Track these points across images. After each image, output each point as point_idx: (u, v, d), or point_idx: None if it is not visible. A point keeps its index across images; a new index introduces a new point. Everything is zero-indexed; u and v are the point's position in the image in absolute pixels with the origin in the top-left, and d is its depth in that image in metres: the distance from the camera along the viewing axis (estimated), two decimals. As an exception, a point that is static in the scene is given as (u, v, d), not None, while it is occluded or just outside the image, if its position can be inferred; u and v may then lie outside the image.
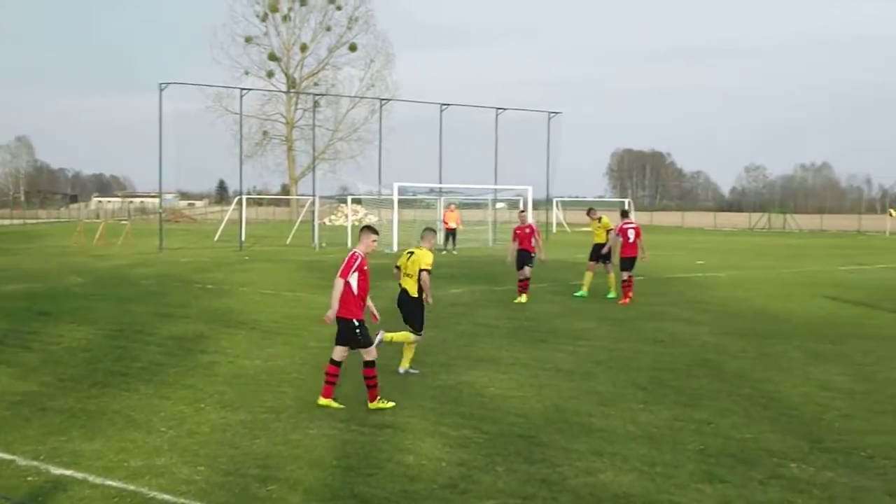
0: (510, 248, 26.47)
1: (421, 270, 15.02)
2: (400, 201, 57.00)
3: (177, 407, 12.59)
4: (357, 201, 71.90)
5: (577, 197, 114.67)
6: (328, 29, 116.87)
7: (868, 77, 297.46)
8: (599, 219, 28.07)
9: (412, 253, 15.29)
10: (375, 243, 13.12)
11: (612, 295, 26.72)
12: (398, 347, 15.42)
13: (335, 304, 12.58)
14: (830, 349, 17.78)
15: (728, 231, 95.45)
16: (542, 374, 15.12)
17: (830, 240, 75.35)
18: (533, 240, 25.98)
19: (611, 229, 27.47)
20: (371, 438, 11.06)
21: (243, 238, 55.37)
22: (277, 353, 16.82)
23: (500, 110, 66.60)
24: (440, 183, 62.58)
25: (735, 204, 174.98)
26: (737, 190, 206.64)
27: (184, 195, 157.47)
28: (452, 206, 54.51)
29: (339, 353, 12.91)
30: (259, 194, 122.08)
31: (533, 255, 25.95)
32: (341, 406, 12.59)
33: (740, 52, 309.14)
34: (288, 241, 59.08)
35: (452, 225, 51.79)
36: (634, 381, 14.59)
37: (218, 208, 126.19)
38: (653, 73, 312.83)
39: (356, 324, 12.67)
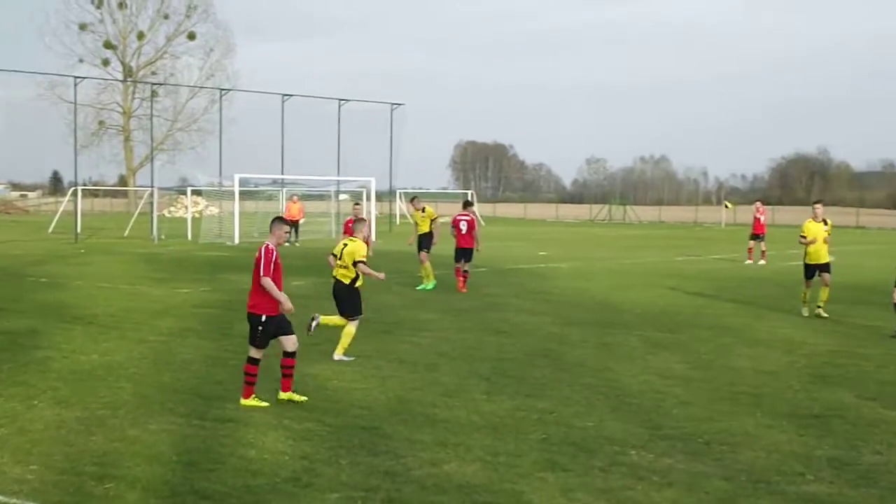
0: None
1: (356, 262, 15.28)
2: (241, 193, 56.28)
3: (8, 404, 12.08)
4: (197, 193, 70.59)
5: (420, 188, 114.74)
6: (166, 17, 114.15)
7: (702, 70, 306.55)
8: (423, 209, 28.16)
9: (346, 244, 15.50)
10: (288, 234, 12.91)
11: (426, 286, 26.56)
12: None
13: (281, 297, 12.23)
14: (669, 338, 18.16)
15: (570, 222, 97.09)
16: (385, 365, 15.04)
17: (669, 231, 77.37)
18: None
19: (435, 218, 27.60)
20: (212, 433, 10.80)
21: (79, 230, 53.87)
22: (114, 348, 16.33)
23: (342, 101, 66.35)
24: (283, 174, 62.00)
25: (577, 196, 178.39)
26: (578, 182, 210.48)
27: (15, 186, 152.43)
28: (294, 198, 54.05)
29: (289, 344, 12.58)
30: (95, 185, 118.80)
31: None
32: (265, 404, 12.21)
33: (579, 44, 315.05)
34: (125, 234, 57.76)
35: (295, 217, 51.39)
36: (477, 371, 14.63)
37: (52, 199, 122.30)
38: (495, 66, 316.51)
39: (263, 320, 12.32)
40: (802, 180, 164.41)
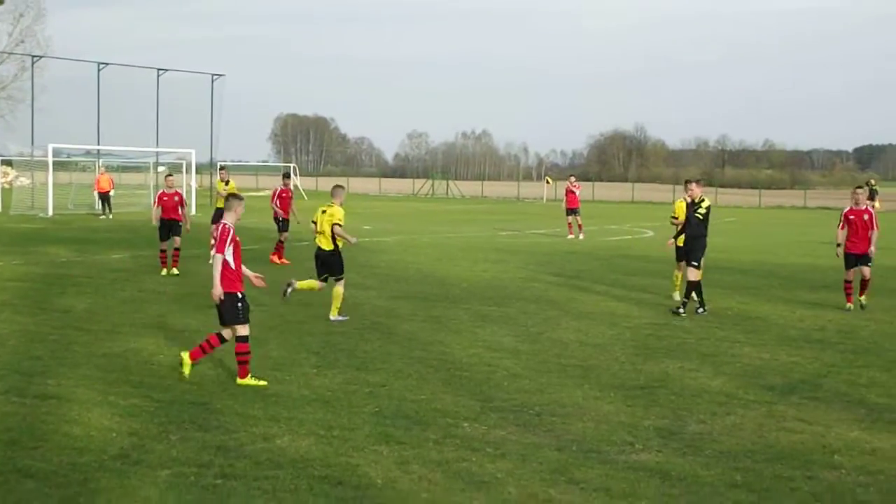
0: (153, 213, 24.84)
1: (333, 225, 16.76)
2: (55, 163, 54.41)
3: None
4: (7, 163, 67.92)
5: (241, 161, 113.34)
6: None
7: (520, 51, 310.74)
8: (227, 181, 27.95)
9: (325, 210, 16.99)
10: (242, 210, 12.62)
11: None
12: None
13: (217, 281, 11.98)
14: (496, 311, 18.34)
15: (393, 197, 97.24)
16: (213, 340, 14.74)
17: (491, 206, 78.29)
18: (180, 209, 24.44)
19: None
20: (33, 410, 10.40)
21: None
22: (-77, 323, 15.55)
23: (161, 71, 64.77)
24: (98, 145, 60.17)
25: (399, 170, 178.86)
26: (400, 156, 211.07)
27: None
28: (103, 170, 52.70)
29: (227, 332, 12.32)
30: None
31: (181, 223, 24.31)
32: (186, 374, 12.11)
33: (397, 20, 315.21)
34: (-68, 204, 55.15)
35: (105, 189, 50.08)
36: (307, 346, 14.49)
37: None
38: (316, 38, 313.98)
39: (239, 296, 12.16)
40: (620, 157, 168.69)
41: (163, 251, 23.89)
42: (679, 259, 20.08)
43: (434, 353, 14.17)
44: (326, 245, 17.01)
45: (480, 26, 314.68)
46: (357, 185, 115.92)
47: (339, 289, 16.95)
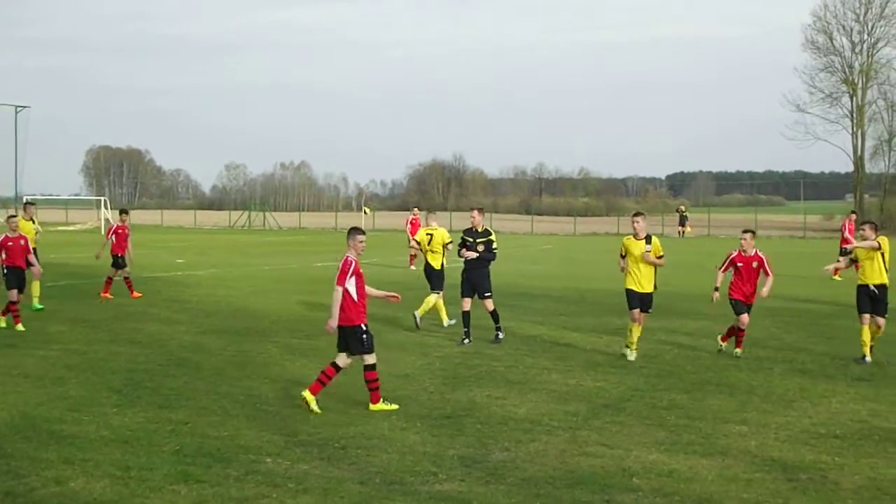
0: None
1: (445, 245, 21.32)
2: None
3: None
4: None
5: (50, 195, 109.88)
6: None
7: (332, 74, 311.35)
8: (32, 219, 27.14)
9: (431, 234, 21.28)
10: (363, 244, 13.16)
11: (39, 306, 23.10)
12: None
13: (335, 313, 12.41)
14: (306, 344, 18.17)
15: (209, 229, 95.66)
16: (7, 380, 14.19)
17: (309, 237, 77.80)
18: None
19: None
20: None
21: None
22: None
23: (-42, 104, 62.45)
24: None
25: (216, 202, 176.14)
26: (218, 188, 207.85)
27: None
28: None
29: (342, 359, 12.76)
30: None
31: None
32: (317, 411, 12.34)
33: (210, 50, 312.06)
34: None
35: None
36: (109, 384, 14.06)
37: None
38: (127, 70, 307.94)
39: (363, 328, 12.65)
40: (439, 186, 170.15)
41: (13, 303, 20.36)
42: (631, 306, 17.03)
43: (241, 388, 13.93)
44: (436, 263, 21.18)
45: (298, 55, 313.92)
46: (171, 217, 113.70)
47: (435, 298, 20.98)
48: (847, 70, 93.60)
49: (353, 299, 12.61)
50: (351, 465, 10.00)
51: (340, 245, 54.46)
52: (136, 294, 26.19)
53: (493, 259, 19.12)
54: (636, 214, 17.72)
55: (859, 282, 17.26)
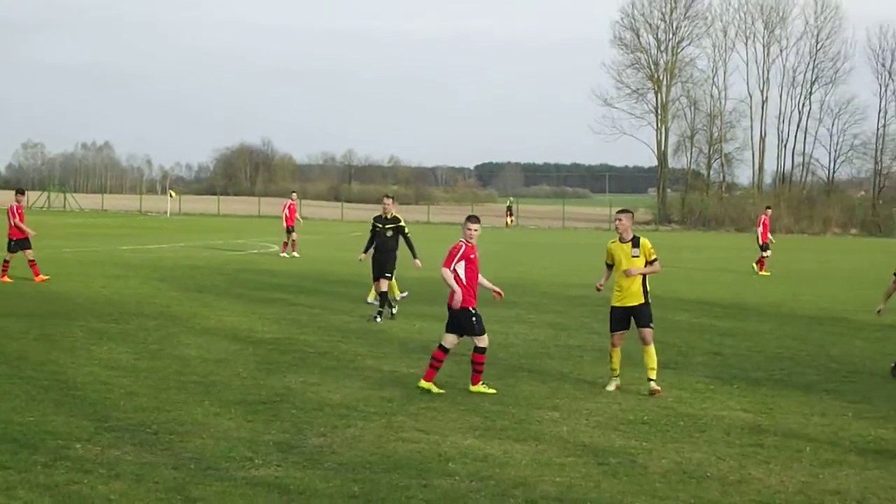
0: None
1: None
2: None
3: None
4: None
5: None
6: None
7: (140, 62, 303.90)
8: None
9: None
10: (473, 232, 13.52)
11: None
12: None
13: (454, 287, 13.20)
14: (114, 328, 17.70)
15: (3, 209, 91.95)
16: None
17: (113, 219, 75.82)
18: None
19: None
20: None
21: None
22: None
23: None
24: None
25: (12, 182, 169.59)
26: (14, 167, 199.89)
27: None
28: None
29: (449, 340, 13.40)
30: None
31: None
32: (441, 391, 12.97)
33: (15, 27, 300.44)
34: None
35: None
36: None
37: None
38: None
39: (472, 312, 13.28)
40: (247, 171, 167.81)
41: None
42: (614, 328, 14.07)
43: (46, 372, 13.46)
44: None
45: (104, 35, 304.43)
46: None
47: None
48: (653, 67, 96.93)
49: (463, 283, 13.25)
50: (164, 450, 9.78)
51: (146, 229, 53.33)
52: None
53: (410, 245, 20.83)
54: (621, 212, 14.34)
55: None
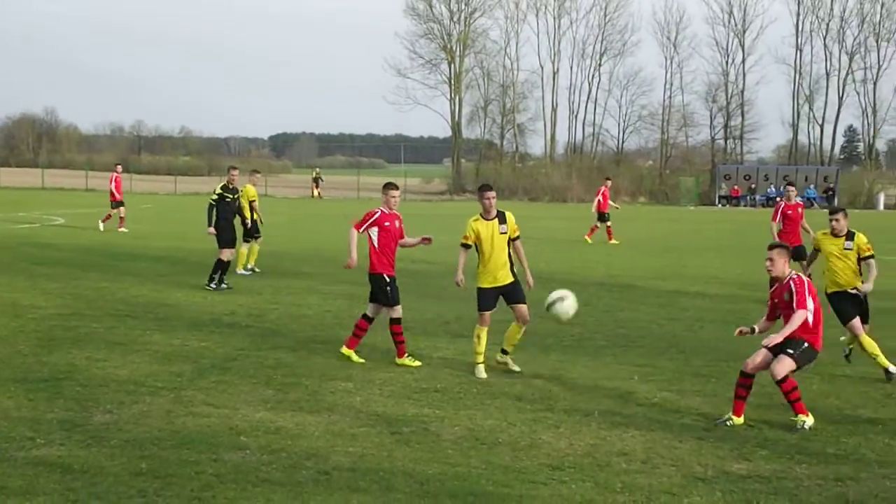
0: None
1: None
2: None
3: None
4: None
5: None
6: None
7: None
8: None
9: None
10: (396, 199, 13.55)
11: None
12: None
13: (351, 250, 13.46)
14: None
15: None
16: None
17: None
18: None
19: None
20: None
21: None
22: None
23: None
24: None
25: None
26: None
27: None
28: None
29: (371, 309, 13.50)
30: None
31: None
32: (361, 360, 13.26)
33: None
34: None
35: None
36: None
37: None
38: None
39: (386, 280, 13.32)
40: (30, 142, 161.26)
41: None
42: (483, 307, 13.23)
43: None
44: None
45: None
46: None
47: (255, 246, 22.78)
48: (446, 37, 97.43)
49: (376, 248, 13.29)
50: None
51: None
52: None
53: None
54: (484, 188, 13.36)
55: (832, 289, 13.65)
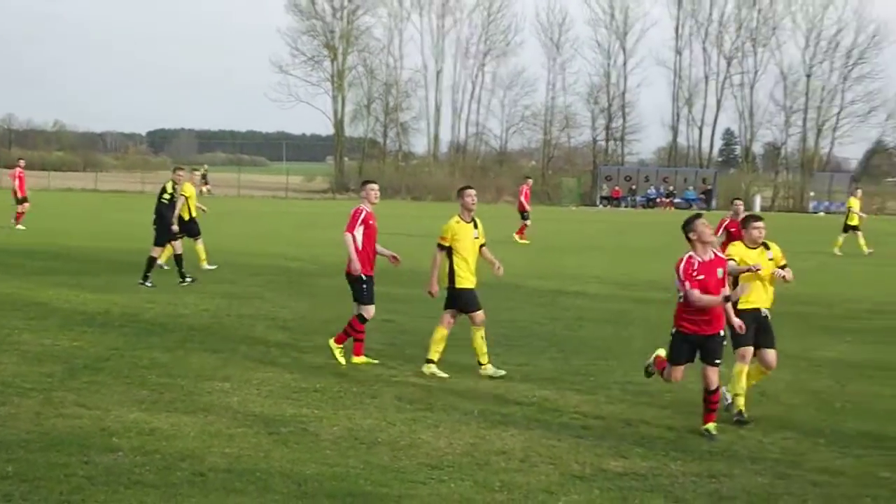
0: None
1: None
2: None
3: None
4: None
5: None
6: None
7: None
8: None
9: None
10: (375, 192, 13.45)
11: None
12: None
13: (354, 257, 12.97)
14: None
15: None
16: None
17: None
18: None
19: None
20: None
21: None
22: None
23: None
24: None
25: None
26: None
27: None
28: None
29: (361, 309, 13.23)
30: None
31: None
32: (374, 361, 13.19)
33: None
34: None
35: None
36: None
37: None
38: None
39: (363, 279, 13.07)
40: None
41: None
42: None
43: None
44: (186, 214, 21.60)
45: None
46: None
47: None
48: (329, 34, 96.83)
49: (358, 247, 13.02)
50: None
51: None
52: None
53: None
54: (466, 188, 13.23)
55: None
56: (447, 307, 13.03)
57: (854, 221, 35.22)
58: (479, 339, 12.88)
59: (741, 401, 10.96)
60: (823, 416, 10.74)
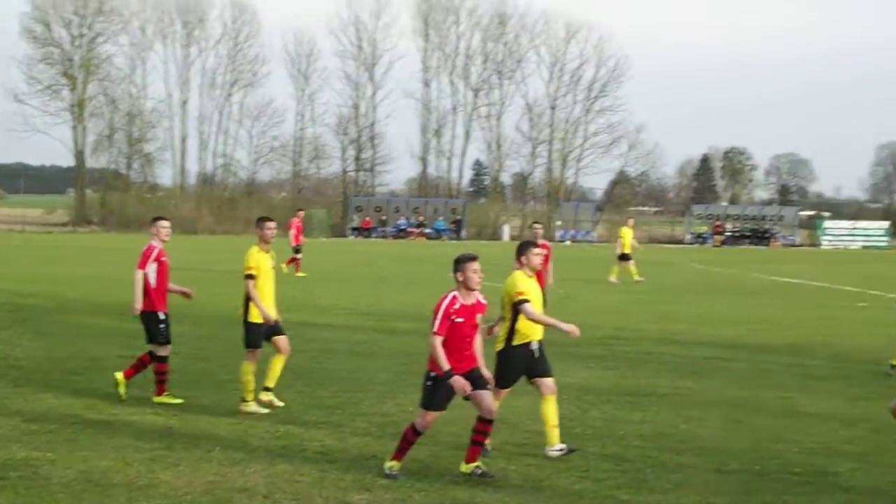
0: None
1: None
2: None
3: None
4: None
5: None
6: None
7: None
8: None
9: None
10: (166, 231, 13.01)
11: None
12: None
13: (138, 296, 12.56)
14: None
15: None
16: None
17: None
18: None
19: None
20: None
21: None
22: None
23: None
24: None
25: None
26: None
27: None
28: None
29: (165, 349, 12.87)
30: None
31: None
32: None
33: None
34: None
35: None
36: None
37: None
38: None
39: (160, 317, 12.72)
40: None
41: None
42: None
43: None
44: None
45: None
46: None
47: None
48: (67, 63, 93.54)
49: (152, 286, 12.69)
50: None
51: None
52: None
53: None
54: (264, 219, 13.11)
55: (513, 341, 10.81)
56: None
57: (627, 250, 36.47)
58: (252, 375, 12.69)
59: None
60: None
